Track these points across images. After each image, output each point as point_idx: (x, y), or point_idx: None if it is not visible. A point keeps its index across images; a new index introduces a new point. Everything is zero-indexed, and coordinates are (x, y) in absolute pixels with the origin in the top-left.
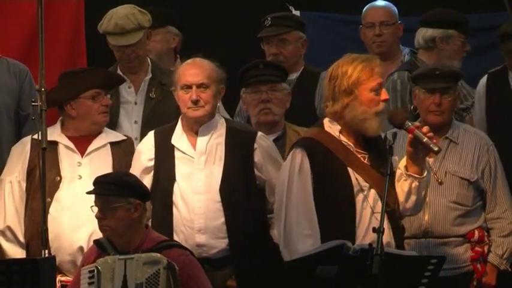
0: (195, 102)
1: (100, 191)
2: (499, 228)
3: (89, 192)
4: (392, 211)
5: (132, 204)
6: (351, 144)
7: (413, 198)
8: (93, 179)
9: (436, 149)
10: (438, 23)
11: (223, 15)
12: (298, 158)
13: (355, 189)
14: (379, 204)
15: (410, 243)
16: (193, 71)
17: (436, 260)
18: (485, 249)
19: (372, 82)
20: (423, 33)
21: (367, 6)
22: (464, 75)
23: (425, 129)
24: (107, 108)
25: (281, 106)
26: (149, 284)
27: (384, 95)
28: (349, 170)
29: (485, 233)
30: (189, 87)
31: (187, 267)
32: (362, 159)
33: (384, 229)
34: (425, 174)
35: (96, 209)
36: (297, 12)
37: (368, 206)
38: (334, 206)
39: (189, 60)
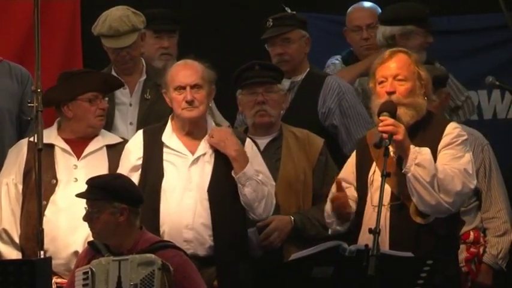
0: (190, 103)
1: (86, 195)
2: (494, 227)
3: (77, 195)
4: (400, 205)
5: (118, 209)
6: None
7: (410, 193)
8: None
9: (374, 140)
10: (396, 20)
11: (219, 18)
12: (352, 154)
13: (372, 185)
14: (386, 199)
15: None
16: (187, 72)
17: (432, 261)
18: (481, 250)
19: (378, 75)
20: (383, 31)
21: (351, 8)
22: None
23: (384, 120)
24: (104, 111)
25: (277, 107)
26: (144, 285)
27: (388, 87)
28: (373, 166)
29: (481, 234)
30: (183, 88)
31: (182, 267)
32: (393, 153)
33: (379, 230)
34: (406, 170)
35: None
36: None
37: (371, 201)
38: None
39: (180, 62)
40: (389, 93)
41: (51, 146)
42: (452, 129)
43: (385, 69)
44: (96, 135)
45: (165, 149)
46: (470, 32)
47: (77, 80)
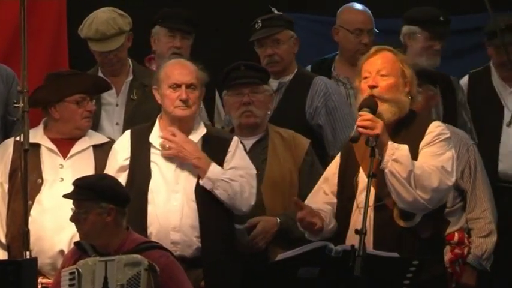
0: (185, 102)
1: (73, 196)
2: (479, 228)
3: (64, 196)
4: (383, 206)
5: (105, 209)
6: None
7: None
8: None
9: (351, 134)
10: (406, 19)
11: (206, 20)
12: (338, 154)
13: (358, 187)
14: (371, 200)
15: None
16: (183, 71)
17: (418, 262)
18: (465, 251)
19: (362, 71)
20: (402, 30)
21: (348, 8)
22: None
23: (362, 115)
24: (91, 114)
25: (263, 108)
26: (130, 285)
27: (370, 81)
28: (361, 166)
29: (466, 235)
30: (179, 86)
31: (168, 268)
32: (378, 155)
33: (366, 230)
34: (383, 165)
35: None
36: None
37: (356, 203)
38: (339, 203)
39: (172, 61)
40: (371, 87)
41: (37, 146)
42: (435, 128)
43: (369, 65)
44: (83, 135)
45: (152, 150)
46: (453, 33)
47: (65, 82)
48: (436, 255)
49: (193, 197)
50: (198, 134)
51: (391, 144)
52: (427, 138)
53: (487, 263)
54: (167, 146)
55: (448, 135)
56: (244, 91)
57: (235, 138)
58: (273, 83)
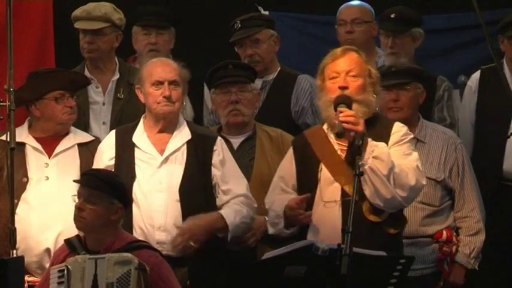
0: (168, 98)
1: (90, 184)
2: (467, 227)
3: (76, 181)
4: (349, 202)
5: (114, 206)
6: (332, 137)
7: (363, 185)
8: (61, 180)
9: (335, 130)
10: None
11: (192, 18)
12: (288, 152)
13: (320, 182)
14: (337, 195)
15: None
16: (166, 68)
17: (404, 260)
18: (453, 249)
19: (329, 71)
20: None
21: (342, 5)
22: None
23: (344, 111)
24: (72, 109)
25: (250, 107)
26: (120, 284)
27: (341, 82)
28: (321, 163)
29: (454, 233)
30: (161, 83)
31: (157, 268)
32: (340, 151)
33: (350, 227)
34: (363, 162)
35: (77, 199)
36: (265, 13)
37: (321, 197)
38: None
39: (154, 59)
40: (342, 88)
41: (22, 145)
42: (400, 128)
43: (337, 65)
44: (67, 133)
45: (136, 150)
46: (443, 31)
47: (43, 80)
48: (397, 251)
49: (177, 196)
50: (182, 133)
51: (370, 141)
52: (394, 137)
53: (475, 262)
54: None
55: (412, 136)
56: (232, 90)
57: (219, 139)
58: (257, 82)
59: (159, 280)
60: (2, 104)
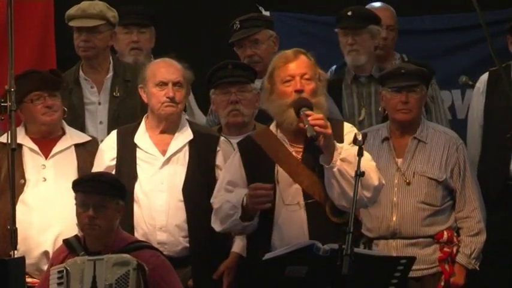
0: (172, 99)
1: (96, 190)
2: (468, 227)
3: (79, 190)
4: (315, 203)
5: (120, 206)
6: (285, 140)
7: (329, 187)
8: (58, 181)
9: (308, 134)
10: None
11: (192, 18)
12: (234, 156)
13: (279, 185)
14: (298, 197)
15: (379, 244)
16: (170, 69)
17: (405, 261)
18: (454, 249)
19: (282, 74)
20: None
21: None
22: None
23: (311, 115)
24: (50, 109)
25: (250, 107)
26: (119, 285)
27: (297, 85)
28: (277, 165)
29: (455, 234)
30: (165, 84)
31: (159, 268)
32: (295, 153)
33: (351, 227)
34: (331, 164)
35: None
36: (266, 13)
37: (282, 200)
38: None
39: (159, 60)
40: (299, 92)
41: (19, 146)
42: (350, 128)
43: (291, 69)
44: (64, 134)
45: (137, 150)
46: (443, 31)
47: (19, 83)
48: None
49: (180, 196)
50: (184, 134)
51: (335, 143)
52: (348, 138)
53: (476, 262)
54: None
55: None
56: (232, 90)
57: (222, 139)
58: (257, 82)
59: (160, 280)
60: (3, 104)
